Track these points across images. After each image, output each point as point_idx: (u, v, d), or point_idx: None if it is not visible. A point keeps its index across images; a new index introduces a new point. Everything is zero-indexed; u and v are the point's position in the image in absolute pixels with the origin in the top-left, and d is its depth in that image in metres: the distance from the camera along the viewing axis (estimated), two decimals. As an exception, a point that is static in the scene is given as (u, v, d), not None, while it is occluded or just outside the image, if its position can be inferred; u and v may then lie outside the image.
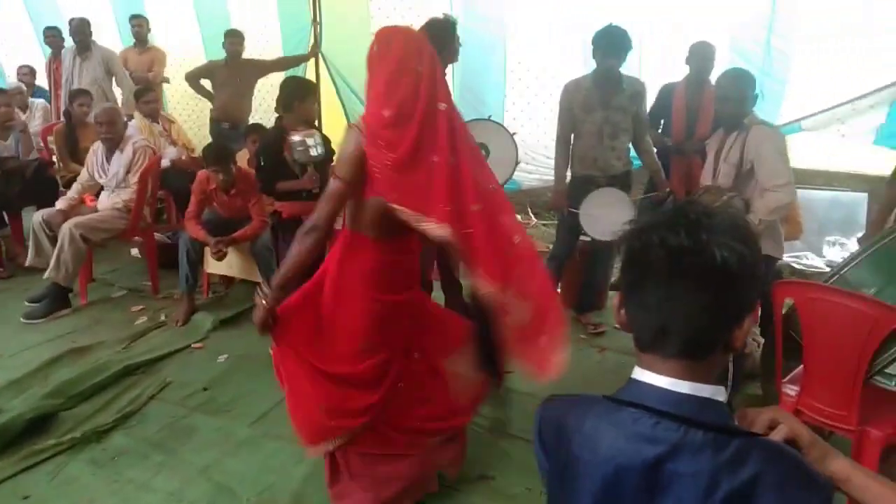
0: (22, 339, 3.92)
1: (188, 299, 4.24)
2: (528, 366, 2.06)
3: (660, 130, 4.42)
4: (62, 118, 5.66)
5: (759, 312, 3.37)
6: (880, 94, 4.53)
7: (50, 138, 5.67)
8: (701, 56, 4.24)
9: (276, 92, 3.86)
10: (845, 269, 2.53)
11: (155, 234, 4.89)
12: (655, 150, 4.11)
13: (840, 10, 4.61)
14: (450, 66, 3.93)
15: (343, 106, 6.29)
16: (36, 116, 6.16)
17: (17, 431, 2.88)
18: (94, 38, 6.12)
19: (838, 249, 5.16)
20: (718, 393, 0.99)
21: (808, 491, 0.91)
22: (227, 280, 4.65)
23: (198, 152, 5.17)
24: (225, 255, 4.09)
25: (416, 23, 3.76)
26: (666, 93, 4.42)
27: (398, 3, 5.76)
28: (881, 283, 2.45)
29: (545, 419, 1.11)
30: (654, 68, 4.91)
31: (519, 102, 5.79)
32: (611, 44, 3.64)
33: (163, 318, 4.24)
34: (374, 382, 2.33)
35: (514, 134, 4.03)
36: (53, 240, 4.31)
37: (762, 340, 3.31)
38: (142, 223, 4.62)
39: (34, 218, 4.50)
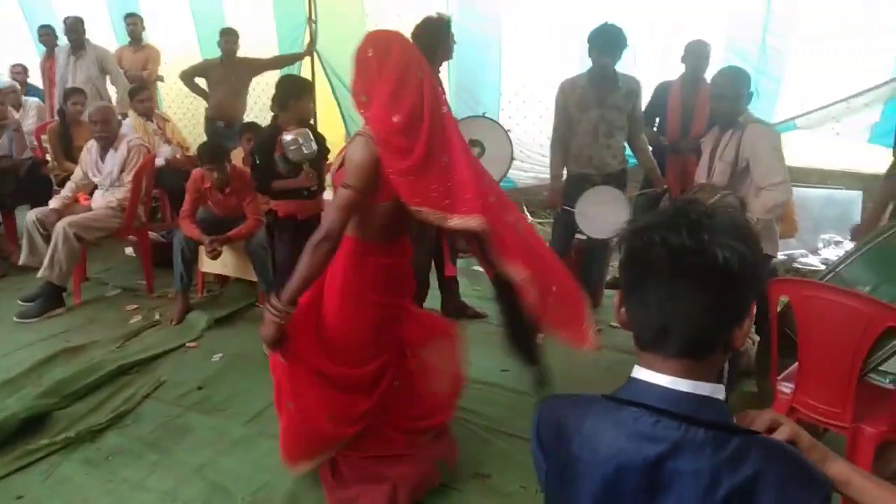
0: (15, 338, 3.90)
1: (183, 298, 4.22)
2: (569, 340, 2.19)
3: (655, 128, 4.42)
4: (56, 117, 5.64)
5: (755, 310, 3.37)
6: (875, 92, 4.55)
7: (44, 137, 5.65)
8: (696, 54, 4.25)
9: (272, 90, 3.84)
10: (840, 266, 2.53)
11: (149, 232, 4.87)
12: (651, 148, 4.11)
13: (835, 9, 4.64)
14: (444, 64, 3.94)
15: (339, 104, 6.28)
16: (30, 115, 6.13)
17: (11, 431, 2.86)
18: (88, 36, 6.10)
19: (833, 247, 5.17)
20: (718, 391, 0.99)
21: (809, 489, 0.91)
22: (222, 279, 4.64)
23: (192, 151, 5.16)
24: (219, 253, 4.08)
25: (412, 21, 3.76)
26: (661, 91, 4.42)
27: (394, 1, 5.75)
28: (876, 280, 2.45)
29: (544, 419, 1.11)
30: (650, 67, 4.91)
31: (514, 101, 5.79)
32: (606, 42, 3.64)
33: (157, 317, 4.23)
34: (373, 385, 2.39)
35: (508, 131, 4.03)
36: (47, 239, 4.29)
37: (757, 338, 3.31)
38: (136, 222, 4.61)
39: (28, 217, 4.48)
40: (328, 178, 2.90)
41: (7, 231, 5.22)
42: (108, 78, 6.18)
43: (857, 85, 4.60)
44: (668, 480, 0.94)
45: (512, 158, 3.97)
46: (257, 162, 3.81)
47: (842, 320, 2.20)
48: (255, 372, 3.49)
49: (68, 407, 3.15)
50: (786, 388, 2.46)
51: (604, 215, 3.76)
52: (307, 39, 5.93)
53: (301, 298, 2.19)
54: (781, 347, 2.44)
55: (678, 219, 0.96)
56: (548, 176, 4.11)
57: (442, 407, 2.60)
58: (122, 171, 4.49)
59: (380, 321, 2.33)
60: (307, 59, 5.97)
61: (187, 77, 6.01)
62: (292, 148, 3.43)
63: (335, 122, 6.20)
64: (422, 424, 2.52)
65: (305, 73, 5.91)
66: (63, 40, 6.21)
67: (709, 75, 3.77)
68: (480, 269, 5.09)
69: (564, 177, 4.03)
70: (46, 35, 6.45)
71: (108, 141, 4.49)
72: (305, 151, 3.46)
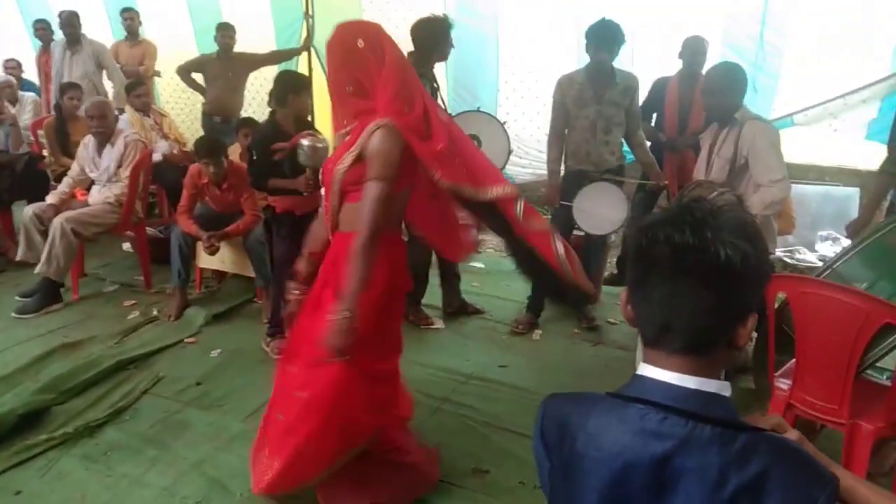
0: (13, 334, 3.90)
1: (180, 294, 4.22)
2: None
3: (652, 124, 4.42)
4: (52, 112, 5.62)
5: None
6: (872, 88, 4.56)
7: (40, 132, 5.62)
8: (693, 50, 4.25)
9: (269, 86, 3.83)
10: (837, 263, 2.55)
11: (147, 228, 4.86)
12: (648, 144, 4.12)
13: (833, 6, 4.64)
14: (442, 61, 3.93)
15: (336, 100, 6.25)
16: (26, 110, 6.11)
17: (9, 427, 2.86)
18: (84, 30, 6.07)
19: (830, 244, 5.18)
20: (724, 388, 0.99)
21: (816, 485, 0.91)
22: (220, 275, 4.63)
23: (190, 146, 5.14)
24: (217, 249, 4.07)
25: (408, 17, 3.75)
26: (659, 87, 4.43)
27: (391, -3, 5.74)
28: (873, 277, 2.47)
29: (548, 417, 1.11)
30: (647, 62, 4.91)
31: (512, 97, 5.78)
32: (603, 37, 3.64)
33: (155, 312, 4.22)
34: (396, 376, 2.45)
35: (504, 123, 4.02)
36: (44, 234, 4.27)
37: (755, 334, 3.33)
38: (133, 218, 4.59)
39: (25, 212, 4.47)
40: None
41: (4, 227, 5.20)
42: (104, 73, 6.16)
43: (854, 81, 4.61)
44: (675, 478, 0.94)
45: (509, 152, 3.96)
46: (254, 157, 3.80)
47: (839, 317, 2.21)
48: (253, 368, 3.50)
49: (66, 403, 3.14)
50: (783, 384, 2.47)
51: (601, 211, 3.77)
52: (304, 35, 5.90)
53: (318, 302, 2.21)
54: (779, 344, 2.45)
55: (682, 216, 0.97)
56: (545, 172, 4.10)
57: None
58: (119, 166, 4.48)
59: (400, 309, 2.43)
60: (304, 55, 5.94)
61: (184, 72, 5.99)
62: (308, 153, 3.28)
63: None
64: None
65: (302, 69, 5.88)
66: (59, 35, 6.18)
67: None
68: (480, 264, 5.12)
69: (562, 173, 4.03)
70: (42, 29, 6.42)
71: (104, 136, 4.48)
72: (319, 161, 3.35)
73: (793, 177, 3.31)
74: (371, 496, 2.39)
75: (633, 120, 3.89)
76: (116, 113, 4.87)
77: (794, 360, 2.44)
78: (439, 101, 3.90)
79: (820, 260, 4.96)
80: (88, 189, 4.65)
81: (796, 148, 4.61)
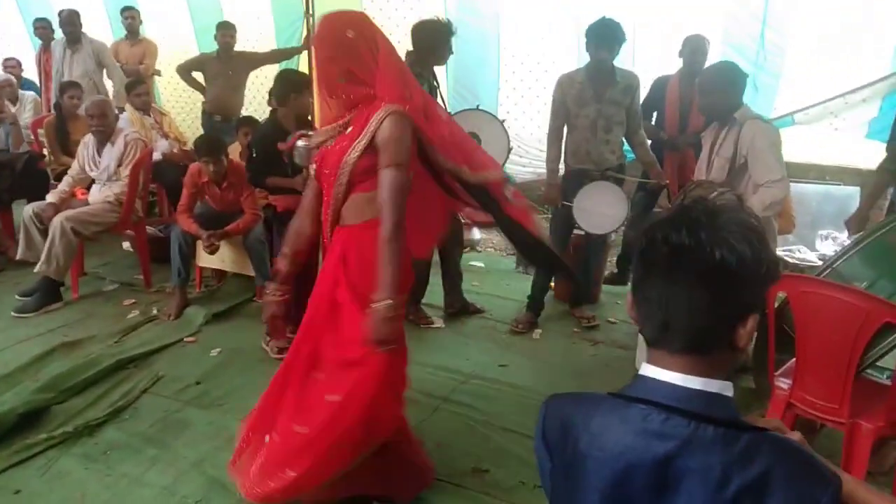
0: (13, 333, 3.90)
1: (180, 293, 4.21)
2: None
3: (653, 122, 4.42)
4: (52, 111, 5.62)
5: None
6: (873, 87, 4.57)
7: (40, 131, 5.62)
8: (694, 49, 4.25)
9: (269, 85, 3.83)
10: (838, 262, 2.55)
11: (147, 227, 4.86)
12: (649, 142, 4.11)
13: (834, 5, 4.63)
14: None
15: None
16: (26, 109, 6.11)
17: (9, 426, 2.86)
18: (84, 29, 6.07)
19: (830, 243, 5.18)
20: (726, 388, 0.99)
21: (819, 485, 0.91)
22: (220, 274, 4.63)
23: (190, 145, 5.14)
24: (217, 248, 4.07)
25: (409, 16, 3.75)
26: (659, 85, 4.42)
27: (392, -5, 5.74)
28: (873, 276, 2.46)
29: (550, 417, 1.11)
30: (648, 61, 4.91)
31: (512, 96, 5.79)
32: (603, 36, 3.64)
33: (155, 311, 4.22)
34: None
35: (503, 121, 4.01)
36: (44, 233, 4.27)
37: (755, 334, 3.32)
38: (133, 217, 4.59)
39: (25, 211, 4.47)
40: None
41: (4, 226, 5.19)
42: (104, 72, 6.15)
43: (855, 80, 4.61)
44: (677, 478, 0.94)
45: (509, 149, 3.94)
46: (254, 155, 3.80)
47: (839, 316, 2.21)
48: (253, 367, 3.50)
49: (66, 402, 3.14)
50: (783, 383, 2.46)
51: (602, 211, 3.77)
52: (304, 33, 5.90)
53: (333, 304, 2.17)
54: (779, 343, 2.45)
55: (681, 217, 0.98)
56: (546, 171, 4.10)
57: None
58: (119, 165, 4.48)
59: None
60: (304, 54, 5.94)
61: (184, 71, 6.00)
62: (303, 154, 3.26)
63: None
64: None
65: (303, 68, 5.89)
66: (59, 34, 6.18)
67: (707, 71, 3.78)
68: (480, 263, 5.13)
69: (561, 172, 4.02)
70: (42, 28, 6.41)
71: (104, 135, 4.47)
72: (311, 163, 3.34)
73: (793, 176, 3.31)
74: (380, 488, 2.37)
75: (633, 119, 3.89)
76: (116, 112, 4.87)
77: (794, 359, 2.44)
78: (439, 99, 3.90)
79: (820, 259, 4.96)
80: (88, 188, 4.65)
81: (797, 147, 4.61)
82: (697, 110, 3.69)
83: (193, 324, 4.03)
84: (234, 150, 4.62)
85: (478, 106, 4.20)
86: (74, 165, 4.63)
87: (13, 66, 6.83)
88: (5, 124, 5.09)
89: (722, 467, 0.90)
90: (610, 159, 3.87)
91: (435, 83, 3.88)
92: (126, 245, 5.31)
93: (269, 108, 3.93)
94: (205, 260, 4.35)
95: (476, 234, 5.71)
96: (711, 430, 0.93)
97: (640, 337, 3.64)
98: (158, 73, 6.58)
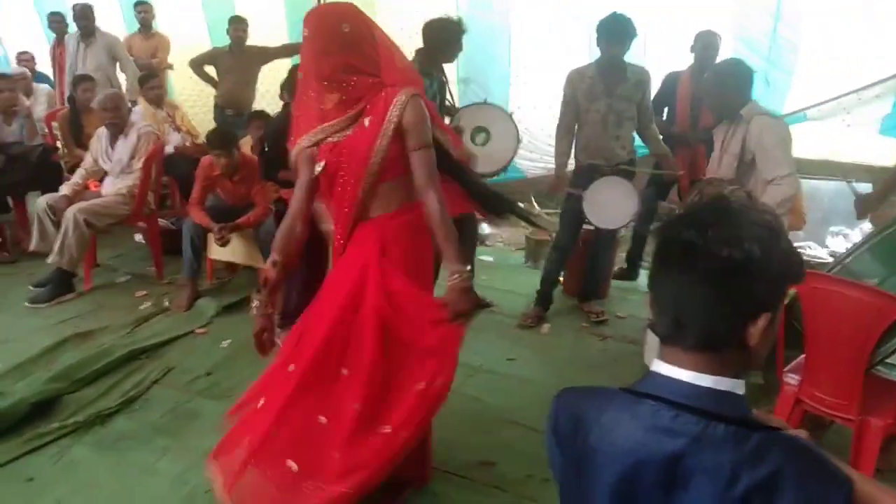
0: (26, 323, 3.94)
1: (192, 285, 4.25)
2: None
3: (663, 118, 4.40)
4: (66, 104, 5.66)
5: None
6: (886, 83, 4.53)
7: (54, 124, 5.67)
8: (705, 44, 4.23)
9: (280, 79, 3.84)
10: (848, 258, 2.54)
11: (159, 220, 4.90)
12: (661, 138, 4.10)
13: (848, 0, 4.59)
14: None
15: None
16: (40, 102, 6.16)
17: (21, 415, 2.89)
18: (98, 23, 6.10)
19: (842, 240, 5.15)
20: (738, 386, 0.99)
21: (829, 485, 0.90)
22: (231, 266, 4.66)
23: (202, 139, 5.17)
24: (228, 241, 4.10)
25: (420, 9, 3.75)
26: (670, 81, 4.41)
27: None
28: (884, 273, 2.45)
29: (561, 410, 1.11)
30: (659, 57, 4.88)
31: (523, 91, 5.77)
32: (615, 31, 3.63)
33: (166, 303, 4.25)
34: None
35: (511, 113, 4.00)
36: (58, 225, 4.31)
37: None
38: (146, 209, 4.63)
39: (38, 203, 4.51)
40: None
41: (18, 217, 5.24)
42: (118, 65, 6.19)
43: (863, 75, 4.57)
44: (686, 475, 0.94)
45: (518, 141, 3.92)
46: (266, 148, 3.81)
47: (849, 312, 2.20)
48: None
49: (78, 392, 3.17)
50: (792, 379, 2.46)
51: (612, 206, 3.76)
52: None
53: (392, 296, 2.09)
54: (788, 339, 2.44)
55: (693, 215, 1.00)
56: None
57: None
58: (132, 158, 4.51)
59: None
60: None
61: (196, 65, 6.02)
62: None
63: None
64: None
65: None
66: (73, 27, 6.22)
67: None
68: (489, 258, 5.13)
69: (571, 166, 4.02)
70: (56, 22, 6.45)
71: (118, 128, 4.51)
72: None
73: (805, 172, 3.29)
74: (409, 472, 2.36)
75: (645, 114, 3.88)
76: (129, 105, 4.90)
77: (803, 355, 2.44)
78: (447, 94, 3.90)
79: (831, 256, 4.93)
80: (101, 181, 4.69)
81: (809, 143, 4.58)
82: (706, 108, 3.67)
83: (204, 315, 4.06)
84: (246, 144, 4.64)
85: (485, 100, 4.19)
86: (87, 158, 4.67)
87: (27, 59, 6.87)
88: (19, 117, 5.13)
89: (732, 466, 0.90)
90: (620, 155, 3.86)
91: (444, 79, 3.88)
92: (138, 237, 5.35)
93: (282, 103, 3.94)
94: (216, 252, 4.37)
95: (486, 228, 5.71)
96: (722, 428, 0.93)
97: (649, 332, 3.63)
98: (170, 67, 6.61)
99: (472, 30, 4.06)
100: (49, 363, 3.39)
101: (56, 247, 4.22)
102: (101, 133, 4.60)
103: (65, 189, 4.55)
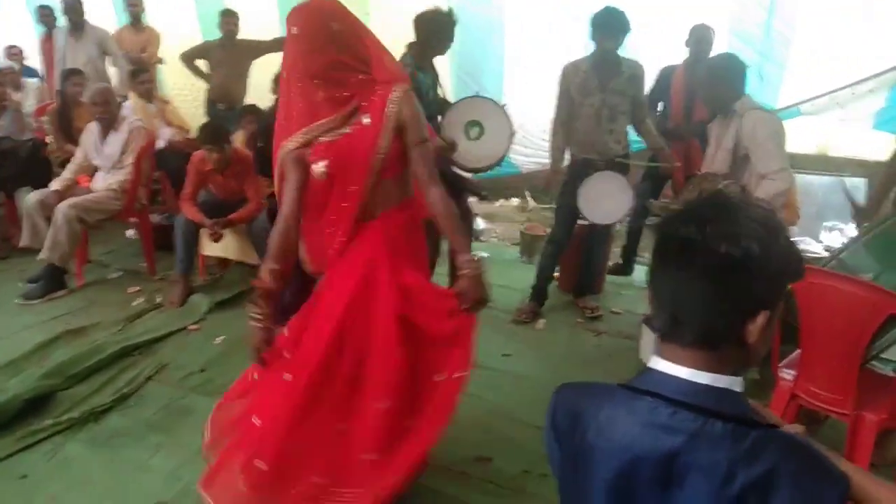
0: (17, 320, 3.91)
1: (184, 281, 4.22)
2: None
3: (658, 112, 4.40)
4: (55, 98, 5.60)
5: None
6: (880, 78, 4.54)
7: (44, 118, 5.62)
8: (699, 38, 4.23)
9: (271, 73, 3.81)
10: (843, 253, 2.55)
11: (151, 215, 4.87)
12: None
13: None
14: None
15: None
16: (29, 96, 6.09)
17: (14, 412, 2.87)
18: (88, 16, 6.04)
19: (836, 235, 5.17)
20: (736, 384, 0.99)
21: (824, 483, 0.90)
22: (224, 262, 4.63)
23: (194, 133, 5.13)
24: (221, 236, 4.08)
25: (415, 5, 3.72)
26: (665, 76, 4.41)
27: (397, -17, 5.70)
28: (879, 268, 2.46)
29: (560, 406, 1.11)
30: (654, 51, 4.87)
31: (517, 85, 5.76)
32: (609, 25, 3.62)
33: (159, 299, 4.23)
34: None
35: (504, 106, 3.97)
36: (48, 220, 4.28)
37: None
38: (137, 204, 4.60)
39: (29, 198, 4.48)
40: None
41: (8, 213, 5.20)
42: (108, 59, 6.13)
43: (862, 71, 4.58)
44: (682, 472, 0.94)
45: (512, 133, 3.89)
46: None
47: (844, 307, 2.20)
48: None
49: (71, 388, 3.15)
50: (787, 374, 2.46)
51: (606, 201, 3.76)
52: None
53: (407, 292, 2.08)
54: (783, 334, 2.44)
55: (692, 211, 1.00)
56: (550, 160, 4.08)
57: None
58: (123, 153, 4.48)
59: None
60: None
61: (188, 59, 5.98)
62: None
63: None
64: None
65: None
66: (62, 21, 6.16)
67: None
68: (484, 253, 5.11)
69: (566, 161, 4.01)
70: (45, 15, 6.39)
71: (108, 123, 4.47)
72: None
73: (799, 167, 3.29)
74: None
75: (640, 109, 3.87)
76: (120, 100, 4.86)
77: (798, 350, 2.44)
78: (439, 89, 3.88)
79: (826, 250, 4.95)
80: (92, 176, 4.65)
81: (803, 138, 4.59)
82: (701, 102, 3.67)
83: (197, 312, 4.04)
84: (238, 139, 4.61)
85: (477, 93, 4.17)
86: (78, 153, 4.63)
87: (16, 53, 6.80)
88: (9, 111, 5.09)
89: (728, 463, 0.90)
90: (615, 149, 3.86)
91: (434, 73, 3.86)
92: (130, 233, 5.32)
93: (274, 97, 3.91)
94: (208, 248, 4.35)
95: (481, 224, 5.71)
96: (720, 425, 0.93)
97: (644, 327, 3.65)
98: (161, 61, 6.56)
99: (465, 23, 4.03)
100: (41, 360, 3.37)
101: (47, 243, 4.19)
102: (92, 128, 4.56)
103: (55, 184, 4.52)
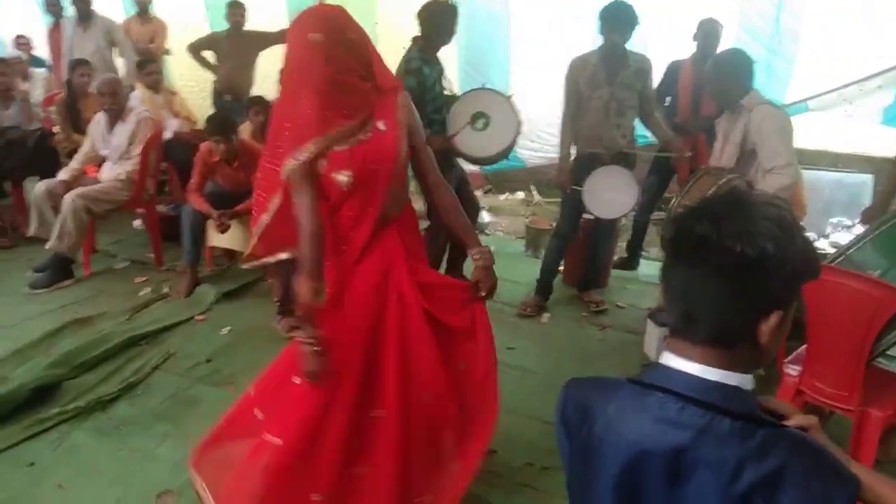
0: (25, 309, 3.93)
1: (191, 272, 4.24)
2: None
3: (665, 107, 4.38)
4: (63, 88, 5.61)
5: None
6: (888, 74, 4.52)
7: (52, 108, 5.63)
8: (707, 33, 4.22)
9: (279, 64, 3.79)
10: (851, 249, 2.54)
11: (158, 206, 4.88)
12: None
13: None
14: (453, 42, 3.89)
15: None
16: (37, 86, 6.11)
17: (21, 401, 2.89)
18: (96, 7, 6.04)
19: (843, 231, 5.15)
20: (746, 382, 0.99)
21: (834, 484, 0.89)
22: (230, 253, 4.64)
23: (201, 125, 5.14)
24: (228, 227, 4.08)
25: (420, 1, 3.72)
26: (672, 70, 4.39)
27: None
28: (886, 264, 2.46)
29: (569, 400, 1.11)
30: (662, 45, 4.86)
31: (523, 78, 5.74)
32: (617, 19, 3.61)
33: (166, 290, 4.24)
34: None
35: (510, 97, 3.96)
36: (56, 210, 4.30)
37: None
38: (144, 195, 4.61)
39: (37, 188, 4.49)
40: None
41: (16, 202, 5.22)
42: (115, 50, 6.14)
43: (865, 65, 4.56)
44: (690, 468, 0.93)
45: (520, 124, 3.87)
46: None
47: (851, 304, 2.20)
48: (263, 346, 3.52)
49: (78, 377, 3.17)
50: (793, 370, 2.47)
51: (611, 195, 3.75)
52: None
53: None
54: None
55: (707, 208, 0.99)
56: (557, 155, 4.07)
57: None
58: (130, 143, 4.48)
59: None
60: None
61: (195, 50, 5.98)
62: None
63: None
64: None
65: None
66: (70, 11, 6.16)
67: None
68: (489, 246, 5.11)
69: (573, 156, 4.00)
70: (53, 5, 6.39)
71: (116, 113, 4.48)
72: None
73: (806, 163, 3.29)
74: None
75: (648, 102, 3.86)
76: (127, 90, 4.86)
77: (804, 346, 2.44)
78: (445, 82, 3.87)
79: (832, 246, 4.93)
80: (100, 166, 4.66)
81: (810, 134, 4.57)
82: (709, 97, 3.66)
83: (204, 302, 4.05)
84: (245, 130, 4.61)
85: (483, 84, 4.16)
86: (86, 143, 4.64)
87: (24, 43, 6.82)
88: (17, 101, 5.10)
89: (736, 461, 0.89)
90: (621, 143, 3.85)
91: (440, 66, 3.85)
92: (137, 223, 5.33)
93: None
94: (215, 239, 4.35)
95: (486, 217, 5.71)
96: (728, 423, 0.92)
97: (649, 322, 3.65)
98: (168, 52, 6.56)
99: (471, 16, 4.03)
100: (48, 349, 3.38)
101: (55, 232, 4.20)
102: (100, 118, 4.57)
103: (63, 174, 4.53)
